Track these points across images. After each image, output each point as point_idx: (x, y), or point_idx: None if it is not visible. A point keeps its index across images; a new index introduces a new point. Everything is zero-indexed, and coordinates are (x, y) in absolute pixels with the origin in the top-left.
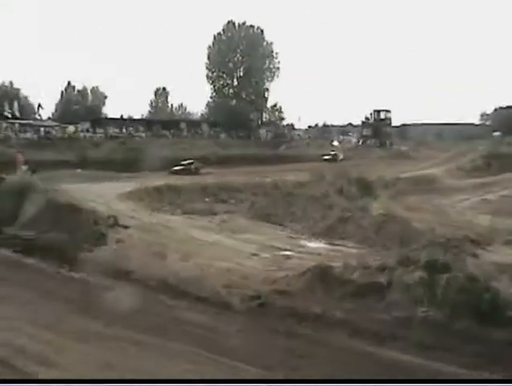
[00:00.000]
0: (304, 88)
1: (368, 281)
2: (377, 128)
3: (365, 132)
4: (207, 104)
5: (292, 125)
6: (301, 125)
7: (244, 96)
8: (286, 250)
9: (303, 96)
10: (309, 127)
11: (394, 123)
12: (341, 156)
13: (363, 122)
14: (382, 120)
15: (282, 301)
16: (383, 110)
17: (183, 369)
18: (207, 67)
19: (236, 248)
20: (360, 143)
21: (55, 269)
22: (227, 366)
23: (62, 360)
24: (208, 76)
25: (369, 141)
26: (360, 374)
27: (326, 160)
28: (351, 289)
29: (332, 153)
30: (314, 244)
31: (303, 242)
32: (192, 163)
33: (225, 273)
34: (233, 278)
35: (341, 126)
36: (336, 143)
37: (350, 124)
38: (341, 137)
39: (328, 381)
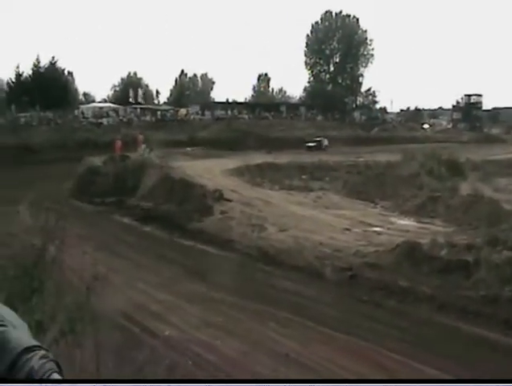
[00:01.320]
0: (397, 72)
1: (455, 258)
2: (468, 111)
3: (456, 115)
4: (305, 89)
5: (385, 109)
6: (393, 108)
7: (339, 81)
8: (376, 226)
9: (395, 81)
10: (401, 110)
11: (486, 107)
12: (326, 143)
13: (454, 106)
14: (473, 104)
15: (372, 274)
16: (474, 94)
17: (274, 332)
18: (305, 54)
19: (329, 223)
20: (450, 126)
21: (168, 237)
22: (314, 331)
23: (171, 317)
24: (306, 63)
25: (459, 125)
26: (445, 347)
27: (309, 148)
28: (438, 265)
29: (317, 140)
30: (403, 222)
31: (392, 219)
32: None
33: (318, 245)
34: (326, 250)
35: (432, 110)
36: (426, 126)
37: (441, 108)
38: (432, 120)
39: (329, 381)
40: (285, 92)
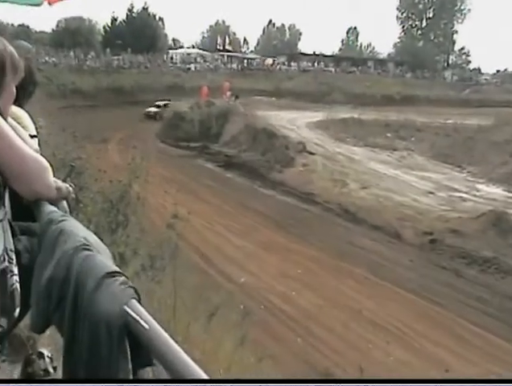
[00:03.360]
0: (495, 31)
1: None
2: None
3: None
4: (394, 45)
5: (479, 69)
6: (489, 69)
7: (432, 37)
8: (461, 192)
9: (493, 40)
10: (497, 71)
11: None
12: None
13: None
14: None
15: (454, 241)
16: None
17: (350, 288)
18: (397, 8)
19: (412, 185)
20: None
21: (249, 184)
22: (391, 291)
23: (249, 265)
24: (397, 17)
25: None
26: None
27: None
28: None
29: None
30: (490, 189)
31: (479, 186)
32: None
33: (400, 206)
34: (408, 212)
35: None
36: None
37: None
38: None
39: (328, 381)
40: (373, 48)
